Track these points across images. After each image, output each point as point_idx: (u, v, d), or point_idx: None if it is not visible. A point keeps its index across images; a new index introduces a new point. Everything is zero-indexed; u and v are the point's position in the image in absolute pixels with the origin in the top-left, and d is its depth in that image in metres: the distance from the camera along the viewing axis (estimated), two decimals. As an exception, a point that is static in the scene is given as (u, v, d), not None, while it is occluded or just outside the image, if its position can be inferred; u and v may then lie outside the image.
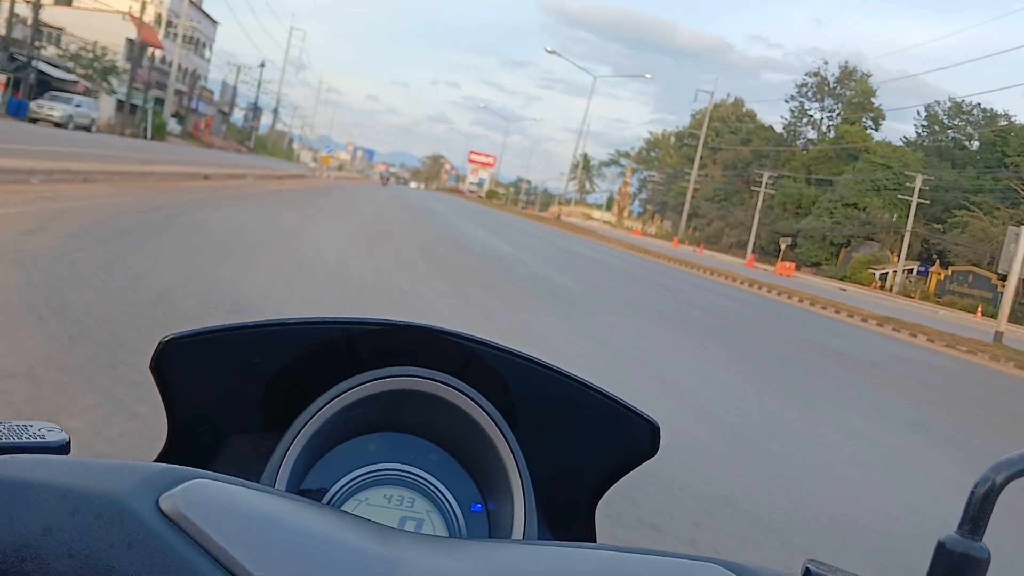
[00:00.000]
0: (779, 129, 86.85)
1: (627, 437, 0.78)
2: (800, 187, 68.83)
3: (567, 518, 0.81)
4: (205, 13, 72.15)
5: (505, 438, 0.68)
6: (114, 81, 46.56)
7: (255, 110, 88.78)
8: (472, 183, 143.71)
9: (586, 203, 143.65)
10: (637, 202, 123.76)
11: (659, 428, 0.77)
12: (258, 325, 0.73)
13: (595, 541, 0.82)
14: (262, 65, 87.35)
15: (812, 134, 75.31)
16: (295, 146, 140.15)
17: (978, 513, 0.43)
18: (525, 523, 0.66)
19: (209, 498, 0.41)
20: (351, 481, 0.71)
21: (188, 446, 0.75)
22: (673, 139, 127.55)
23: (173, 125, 60.96)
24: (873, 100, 70.25)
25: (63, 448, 0.51)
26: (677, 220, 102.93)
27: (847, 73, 71.55)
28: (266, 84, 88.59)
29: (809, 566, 0.46)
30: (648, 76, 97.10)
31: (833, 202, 63.24)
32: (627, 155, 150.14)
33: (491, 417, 0.69)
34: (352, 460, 0.72)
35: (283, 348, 0.75)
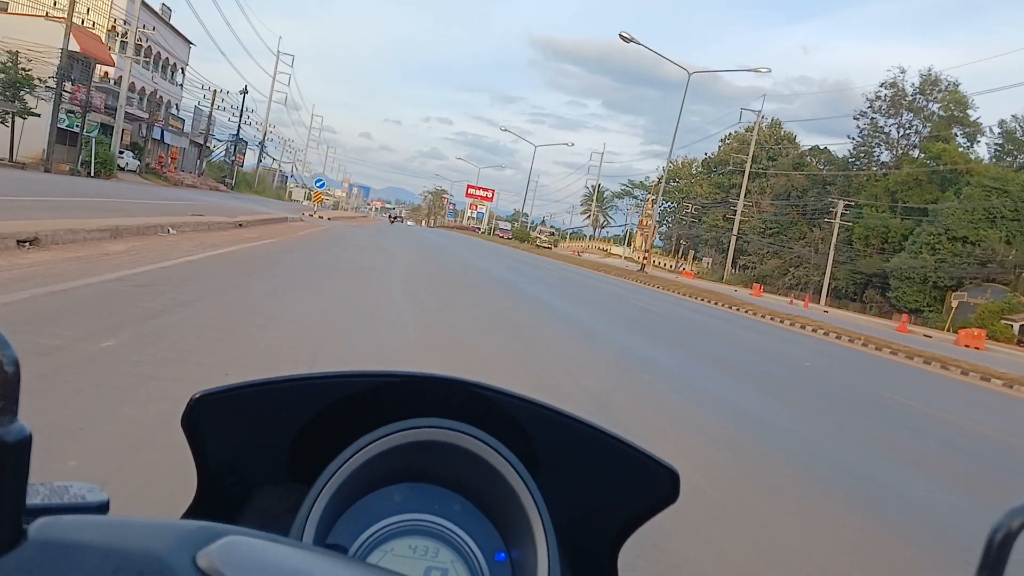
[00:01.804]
0: (832, 150, 76.10)
1: (647, 484, 0.78)
2: (885, 218, 57.62)
3: (589, 565, 0.81)
4: (175, 29, 61.25)
5: (527, 486, 0.69)
6: (30, 99, 35.21)
7: (236, 143, 77.61)
8: (471, 217, 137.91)
9: (601, 238, 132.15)
10: (657, 236, 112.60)
11: (678, 475, 0.78)
12: (286, 380, 0.75)
13: None
14: (244, 91, 76.42)
15: (886, 156, 64.30)
16: (289, 184, 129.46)
17: (996, 560, 0.42)
18: (549, 571, 0.66)
19: (243, 555, 0.42)
20: (376, 532, 0.72)
21: (216, 498, 0.77)
22: (697, 167, 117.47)
23: (129, 159, 49.62)
24: (969, 112, 59.31)
25: (102, 508, 0.52)
26: (715, 256, 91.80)
27: (930, 82, 60.67)
28: (251, 115, 77.60)
29: None
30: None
31: (934, 235, 52.00)
32: (641, 185, 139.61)
33: (513, 466, 0.69)
34: (377, 511, 0.73)
35: (310, 402, 0.76)
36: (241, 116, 76.16)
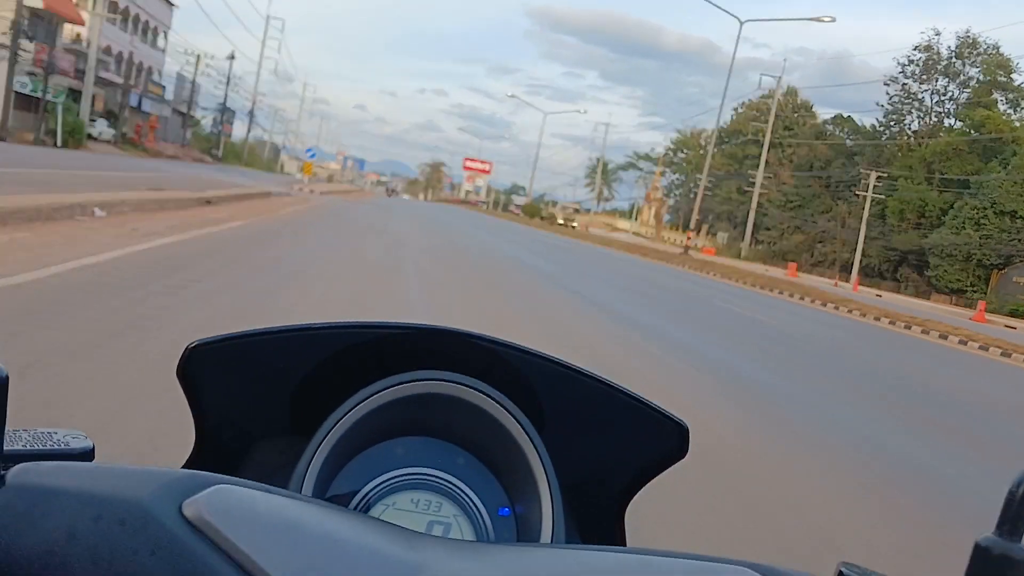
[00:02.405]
0: (855, 120, 71.77)
1: (656, 439, 0.77)
2: (922, 191, 53.48)
3: (596, 522, 0.80)
4: (154, -12, 56.71)
5: (532, 441, 0.68)
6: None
7: (223, 112, 73.14)
8: (469, 190, 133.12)
9: (605, 211, 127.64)
10: (664, 209, 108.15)
11: (688, 429, 0.76)
12: (284, 330, 0.73)
13: (625, 545, 0.81)
14: (231, 57, 71.87)
15: (916, 124, 59.99)
16: (283, 156, 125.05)
17: (1016, 514, 0.42)
18: (553, 527, 0.66)
19: (232, 504, 0.41)
20: (378, 486, 0.71)
21: (215, 452, 0.76)
22: (706, 138, 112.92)
23: (103, 127, 45.31)
24: (1013, 77, 54.99)
25: (87, 455, 0.51)
26: (731, 231, 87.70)
27: (968, 44, 56.25)
28: (239, 82, 73.07)
29: (843, 568, 0.46)
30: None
31: (979, 209, 47.91)
32: (647, 157, 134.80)
33: (517, 420, 0.68)
34: (379, 464, 0.72)
35: (309, 353, 0.75)
36: (228, 83, 71.67)
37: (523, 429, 0.68)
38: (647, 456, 0.78)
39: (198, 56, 60.78)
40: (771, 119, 70.07)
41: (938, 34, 57.44)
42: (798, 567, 0.42)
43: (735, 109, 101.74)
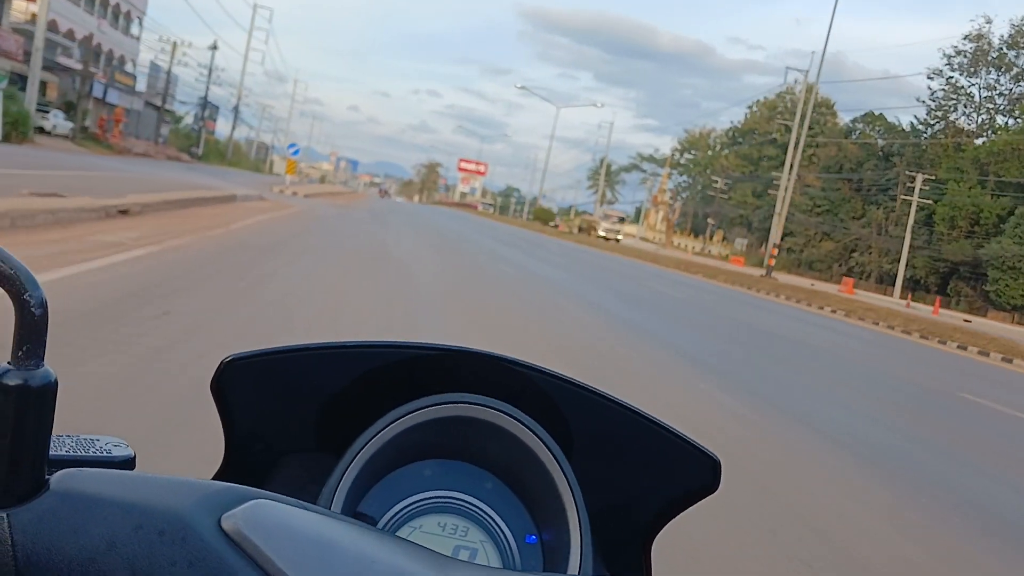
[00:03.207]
0: (889, 118, 66.53)
1: (686, 471, 0.75)
2: (976, 195, 48.23)
3: (622, 553, 0.79)
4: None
5: (561, 469, 0.67)
6: None
7: (205, 107, 67.55)
8: (464, 192, 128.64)
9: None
10: (675, 214, 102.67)
11: (720, 463, 0.74)
12: (318, 347, 0.74)
13: None
14: (214, 47, 66.21)
15: (963, 122, 54.73)
16: (274, 157, 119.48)
17: None
18: (581, 557, 0.65)
19: (269, 519, 0.41)
20: (405, 508, 0.71)
21: (242, 466, 0.76)
22: (716, 138, 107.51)
23: (59, 120, 39.68)
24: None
25: (128, 463, 0.51)
26: (749, 238, 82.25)
27: (1022, 33, 51.03)
28: (221, 74, 67.44)
29: None
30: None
31: (1046, 217, 42.76)
32: (650, 159, 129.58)
33: (547, 446, 0.68)
34: (407, 486, 0.72)
35: (341, 371, 0.75)
36: (210, 76, 66.01)
37: (553, 456, 0.67)
38: (676, 488, 0.76)
39: (174, 43, 55.10)
40: (798, 115, 64.50)
41: (989, 22, 52.36)
42: None
43: (749, 107, 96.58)
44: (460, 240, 24.85)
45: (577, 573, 0.64)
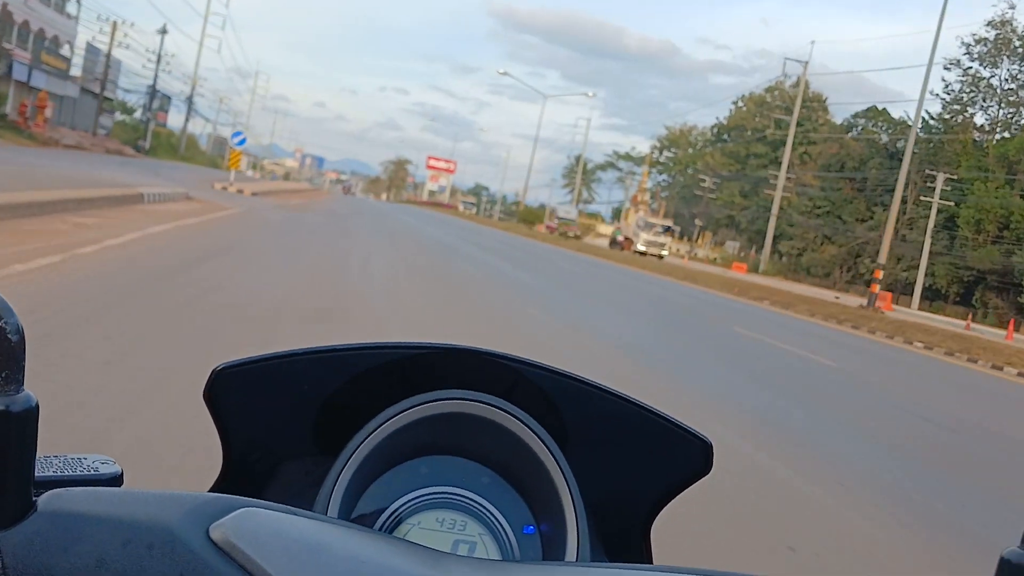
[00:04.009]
0: (892, 112, 62.35)
1: (680, 456, 0.77)
2: (1004, 196, 43.94)
3: (622, 539, 0.80)
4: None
5: (556, 459, 0.68)
6: None
7: (153, 96, 61.64)
8: (433, 190, 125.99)
9: (585, 215, 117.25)
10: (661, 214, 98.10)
11: (712, 446, 0.76)
12: (309, 352, 0.74)
13: (651, 563, 0.81)
14: (163, 31, 60.31)
15: (983, 116, 50.48)
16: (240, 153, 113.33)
17: None
18: (579, 545, 0.66)
19: (258, 526, 0.41)
20: (403, 505, 0.72)
21: (242, 474, 0.76)
22: (697, 135, 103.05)
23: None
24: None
25: (115, 480, 0.52)
26: (740, 240, 77.79)
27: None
28: (171, 60, 61.54)
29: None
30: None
31: (1089, 220, 38.53)
32: (627, 157, 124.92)
33: (541, 438, 0.69)
34: (404, 484, 0.73)
35: (334, 374, 0.75)
36: (159, 62, 60.10)
37: (546, 447, 0.68)
38: (671, 473, 0.78)
39: (113, 23, 49.22)
40: (796, 109, 60.19)
41: (1013, 7, 47.90)
42: None
43: (734, 103, 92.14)
44: (453, 257, 19.61)
45: (575, 560, 0.65)
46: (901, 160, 55.79)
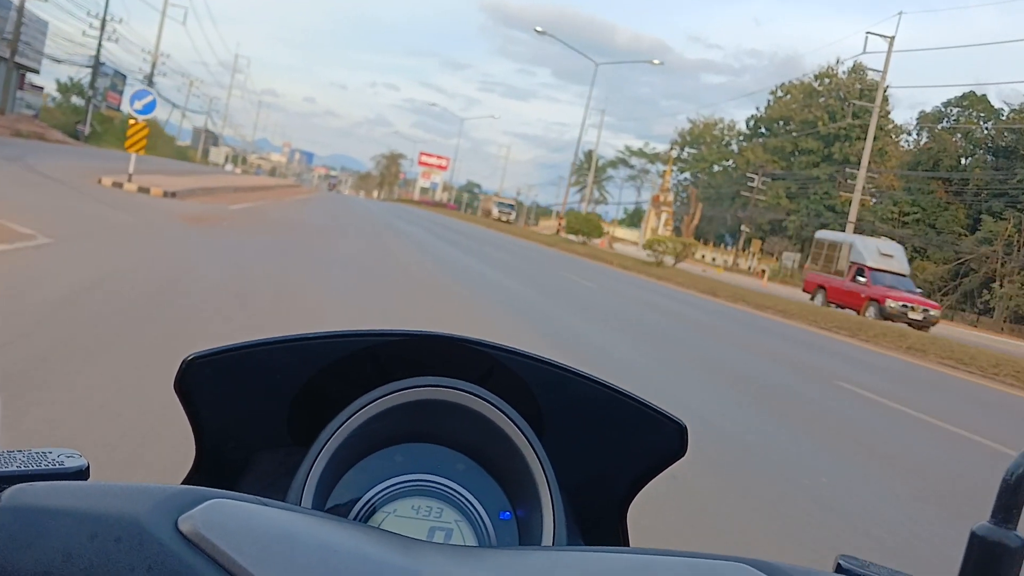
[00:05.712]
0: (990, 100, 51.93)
1: (656, 439, 0.77)
2: None
3: (599, 523, 0.81)
4: None
5: (531, 445, 0.68)
6: None
7: (96, 69, 50.57)
8: (425, 187, 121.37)
9: (599, 218, 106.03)
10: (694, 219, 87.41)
11: (687, 429, 0.76)
12: (280, 341, 0.73)
13: (627, 545, 0.81)
14: (109, -8, 49.31)
15: None
16: (222, 146, 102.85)
17: (1010, 501, 0.42)
18: (555, 529, 0.66)
19: (228, 518, 0.41)
20: (378, 493, 0.71)
21: (215, 465, 0.75)
22: (721, 128, 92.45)
23: None
24: None
25: (81, 474, 0.51)
26: (794, 250, 66.95)
27: None
28: (116, 27, 50.43)
29: (841, 561, 0.45)
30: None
31: None
32: (640, 153, 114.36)
33: (516, 424, 0.68)
34: (379, 472, 0.72)
35: (307, 362, 0.75)
36: (103, 30, 49.05)
37: (522, 433, 0.68)
38: (647, 456, 0.78)
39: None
40: (880, 94, 49.65)
41: None
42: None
43: (772, 93, 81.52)
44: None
45: (551, 545, 0.65)
46: (1008, 157, 45.50)
